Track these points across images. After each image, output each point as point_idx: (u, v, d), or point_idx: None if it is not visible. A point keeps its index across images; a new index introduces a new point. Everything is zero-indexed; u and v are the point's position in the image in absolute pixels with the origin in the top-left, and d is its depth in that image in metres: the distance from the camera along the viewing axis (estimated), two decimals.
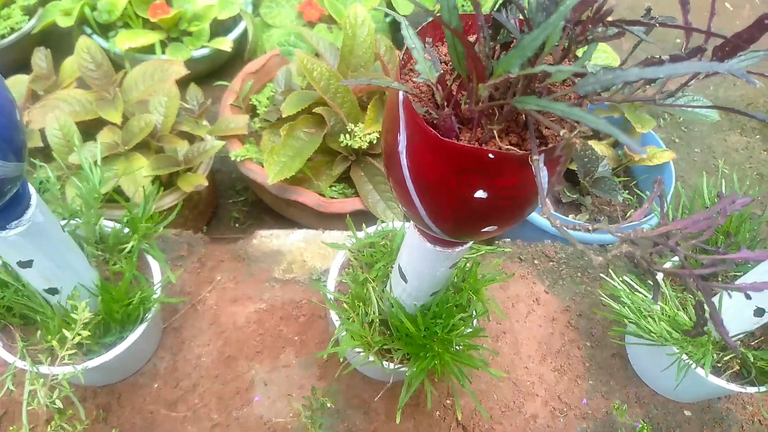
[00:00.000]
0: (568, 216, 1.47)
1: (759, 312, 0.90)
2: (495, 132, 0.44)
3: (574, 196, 1.48)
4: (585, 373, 1.12)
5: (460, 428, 1.04)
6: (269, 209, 1.53)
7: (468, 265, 0.93)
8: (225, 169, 1.70)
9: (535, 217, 1.41)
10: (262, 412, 1.01)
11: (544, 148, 0.44)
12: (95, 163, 0.92)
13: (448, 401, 1.06)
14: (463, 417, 1.05)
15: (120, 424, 0.98)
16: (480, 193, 0.46)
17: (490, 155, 0.43)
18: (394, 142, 0.49)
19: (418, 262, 0.71)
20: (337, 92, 1.28)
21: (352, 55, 1.34)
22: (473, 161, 0.44)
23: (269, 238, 1.20)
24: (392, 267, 0.92)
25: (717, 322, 0.42)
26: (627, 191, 1.57)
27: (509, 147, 0.44)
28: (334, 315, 0.91)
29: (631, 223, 1.41)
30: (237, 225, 1.61)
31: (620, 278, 1.00)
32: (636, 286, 0.98)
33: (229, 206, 1.64)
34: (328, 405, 0.80)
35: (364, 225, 0.99)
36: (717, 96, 2.18)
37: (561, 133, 0.42)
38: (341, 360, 0.90)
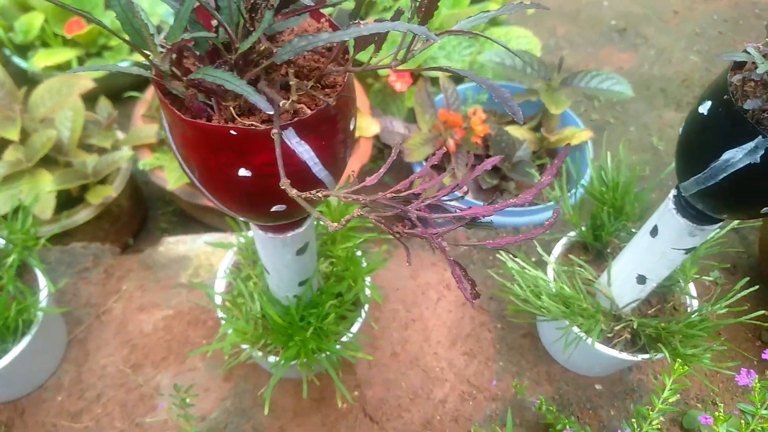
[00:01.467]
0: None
1: (641, 279, 0.91)
2: (232, 108, 0.44)
3: (495, 182, 1.49)
4: (495, 354, 1.12)
5: (367, 419, 1.04)
6: (195, 217, 1.53)
7: (358, 254, 0.94)
8: (155, 180, 1.70)
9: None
10: (166, 417, 1.01)
11: (289, 120, 0.44)
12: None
13: (356, 393, 1.06)
14: (371, 407, 1.05)
15: None
16: (243, 172, 0.47)
17: (232, 131, 0.43)
18: (165, 125, 0.49)
19: (264, 252, 0.71)
20: None
21: None
22: (221, 139, 0.44)
23: (176, 245, 1.20)
24: None
25: (458, 279, 0.43)
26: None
27: (253, 124, 0.45)
28: (220, 314, 0.91)
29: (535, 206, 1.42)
30: (166, 236, 1.60)
31: (509, 257, 1.01)
32: (524, 264, 0.99)
33: (159, 217, 1.64)
34: (187, 401, 0.80)
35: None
36: (652, 74, 2.20)
37: (281, 104, 0.42)
38: (226, 357, 0.90)
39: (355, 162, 1.37)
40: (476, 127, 1.41)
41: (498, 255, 1.05)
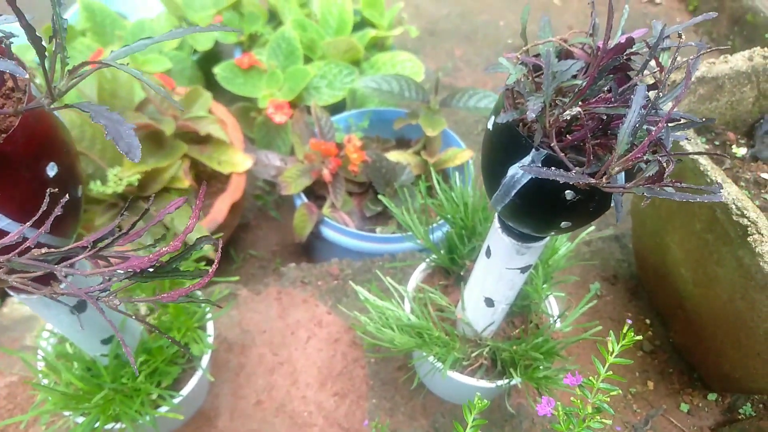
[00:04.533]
0: (376, 229, 1.43)
1: (489, 302, 0.87)
2: None
3: (379, 209, 1.45)
4: (368, 392, 1.07)
5: None
6: None
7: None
8: None
9: (334, 236, 1.37)
10: None
11: None
12: None
13: None
14: None
15: None
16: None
17: None
18: None
19: (43, 315, 0.64)
20: (95, 139, 1.22)
21: (115, 98, 1.29)
22: None
23: (20, 305, 1.11)
24: None
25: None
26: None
27: None
28: (43, 380, 0.83)
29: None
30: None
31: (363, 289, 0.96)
32: (373, 296, 0.94)
33: None
34: None
35: None
36: None
37: None
38: (43, 428, 0.82)
39: (226, 199, 1.32)
40: (351, 156, 1.37)
41: (358, 286, 1.00)
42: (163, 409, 0.79)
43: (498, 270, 0.80)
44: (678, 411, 1.09)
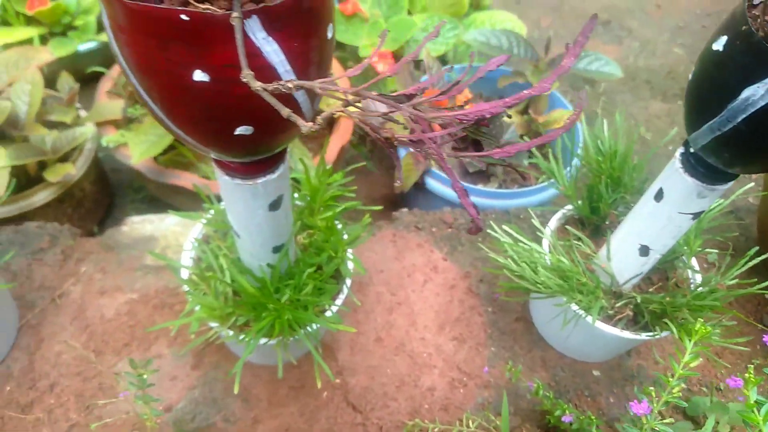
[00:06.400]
0: (477, 185, 1.41)
1: (644, 251, 0.84)
2: None
3: (481, 166, 1.42)
4: (486, 340, 1.05)
5: (350, 408, 0.96)
6: (164, 201, 1.44)
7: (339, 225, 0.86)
8: (120, 167, 1.60)
9: (439, 187, 1.35)
10: (128, 407, 0.92)
11: (253, 7, 0.37)
12: None
13: (338, 380, 0.98)
14: (354, 395, 0.96)
15: None
16: (199, 75, 0.39)
17: (184, 16, 0.35)
18: (109, 33, 0.41)
19: (233, 209, 0.63)
20: None
21: None
22: (170, 27, 0.36)
23: (141, 224, 1.11)
24: None
25: (461, 195, 0.35)
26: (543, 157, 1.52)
27: (210, 8, 0.37)
28: (186, 288, 0.83)
29: (530, 188, 1.35)
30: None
31: (501, 228, 0.94)
32: (518, 236, 0.92)
33: (126, 205, 1.55)
34: (144, 377, 0.71)
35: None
36: (637, 66, 2.16)
37: None
38: (192, 336, 0.82)
39: (336, 141, 1.30)
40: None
41: (489, 231, 0.98)
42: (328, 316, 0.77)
43: (667, 214, 0.77)
44: None
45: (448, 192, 1.32)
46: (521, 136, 1.48)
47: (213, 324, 0.80)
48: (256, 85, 0.34)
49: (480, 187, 1.36)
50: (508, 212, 1.22)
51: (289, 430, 0.93)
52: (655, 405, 0.67)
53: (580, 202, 0.99)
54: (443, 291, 1.09)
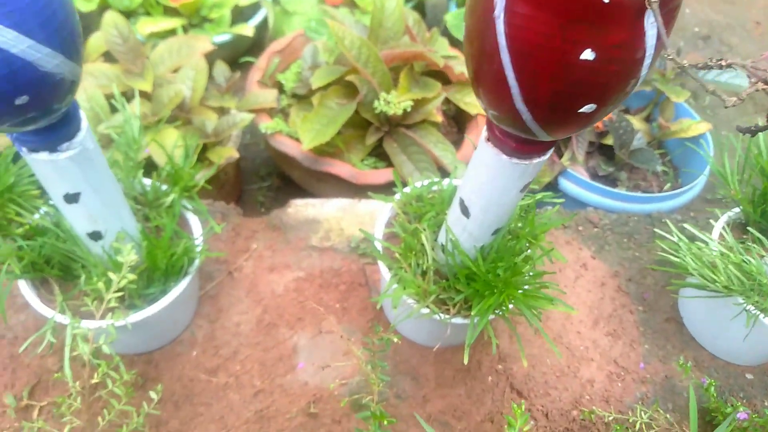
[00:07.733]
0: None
1: None
2: None
3: (610, 170, 1.45)
4: (640, 337, 1.07)
5: (514, 393, 0.99)
6: (295, 192, 1.49)
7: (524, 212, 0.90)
8: (248, 155, 1.67)
9: (573, 189, 1.37)
10: (306, 379, 0.96)
11: None
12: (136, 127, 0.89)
13: (500, 366, 1.01)
14: (517, 382, 1.00)
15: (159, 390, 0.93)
16: (587, 54, 0.43)
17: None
18: (488, 10, 0.45)
19: (488, 185, 0.67)
20: (369, 61, 1.25)
21: (381, 27, 1.32)
22: (584, 8, 0.40)
23: (304, 207, 1.16)
24: (444, 215, 0.88)
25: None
26: (663, 165, 1.53)
27: None
28: (383, 266, 0.87)
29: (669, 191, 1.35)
30: (263, 209, 1.57)
31: (677, 228, 0.96)
32: (697, 233, 0.94)
33: (254, 192, 1.61)
34: (395, 340, 0.75)
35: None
36: None
37: None
38: (394, 310, 0.86)
39: (476, 138, 1.34)
40: None
41: (655, 230, 1.00)
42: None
43: None
44: None
45: (581, 193, 1.35)
46: (648, 143, 1.50)
47: (410, 300, 0.84)
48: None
49: (618, 190, 1.39)
50: (650, 216, 1.24)
51: (457, 410, 0.96)
52: None
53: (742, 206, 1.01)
54: (594, 288, 1.12)
